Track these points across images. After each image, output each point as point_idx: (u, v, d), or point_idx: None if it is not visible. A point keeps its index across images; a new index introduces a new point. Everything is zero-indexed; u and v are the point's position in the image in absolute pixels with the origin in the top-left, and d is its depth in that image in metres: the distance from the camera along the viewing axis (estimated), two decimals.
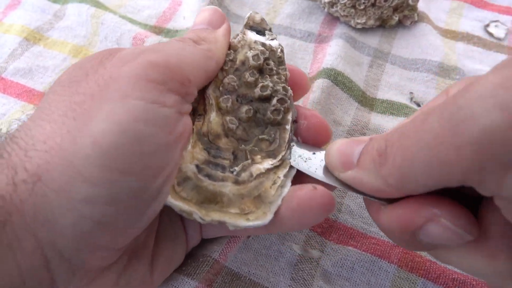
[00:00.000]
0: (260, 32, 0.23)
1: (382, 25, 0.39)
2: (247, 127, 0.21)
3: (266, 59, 0.22)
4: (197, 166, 0.19)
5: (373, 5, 0.37)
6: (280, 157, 0.21)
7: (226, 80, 0.21)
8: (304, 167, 0.20)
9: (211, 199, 0.19)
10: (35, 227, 0.15)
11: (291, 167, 0.21)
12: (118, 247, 0.17)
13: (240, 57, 0.22)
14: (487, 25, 0.39)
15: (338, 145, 0.18)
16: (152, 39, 0.36)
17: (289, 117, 0.21)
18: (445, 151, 0.13)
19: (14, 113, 0.32)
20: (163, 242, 0.21)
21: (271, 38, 0.23)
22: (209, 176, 0.19)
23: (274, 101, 0.21)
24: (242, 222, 0.18)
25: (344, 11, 0.37)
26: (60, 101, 0.17)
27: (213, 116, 0.21)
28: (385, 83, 0.35)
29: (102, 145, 0.15)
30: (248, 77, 0.21)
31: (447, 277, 0.24)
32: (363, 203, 0.27)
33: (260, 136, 0.21)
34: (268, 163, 0.20)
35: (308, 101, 0.30)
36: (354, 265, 0.24)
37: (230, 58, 0.22)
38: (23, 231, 0.15)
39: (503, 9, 0.41)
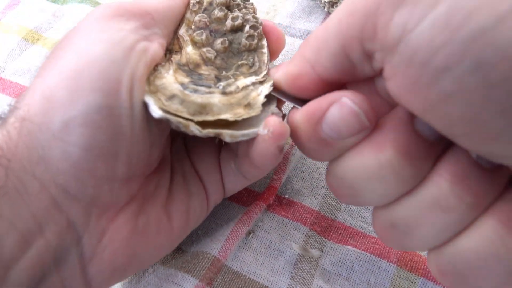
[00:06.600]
0: None
1: None
2: (225, 57, 0.22)
3: None
4: (182, 84, 0.19)
5: None
6: (263, 74, 0.21)
7: (196, 18, 0.22)
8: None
9: (202, 111, 0.19)
10: (32, 167, 0.16)
11: (273, 90, 0.20)
12: (119, 177, 0.18)
13: None
14: None
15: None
16: None
17: (264, 42, 0.22)
18: (350, 16, 0.15)
19: None
20: (176, 195, 0.22)
21: None
22: (195, 91, 0.19)
23: (247, 27, 0.22)
24: (238, 132, 0.18)
25: None
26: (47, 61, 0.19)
27: (189, 49, 0.21)
28: None
29: (65, 72, 0.17)
30: (218, 13, 0.22)
31: None
32: None
33: (240, 62, 0.21)
34: (252, 78, 0.20)
35: None
36: (353, 265, 0.24)
37: (197, 0, 0.22)
38: (24, 174, 0.16)
39: None
